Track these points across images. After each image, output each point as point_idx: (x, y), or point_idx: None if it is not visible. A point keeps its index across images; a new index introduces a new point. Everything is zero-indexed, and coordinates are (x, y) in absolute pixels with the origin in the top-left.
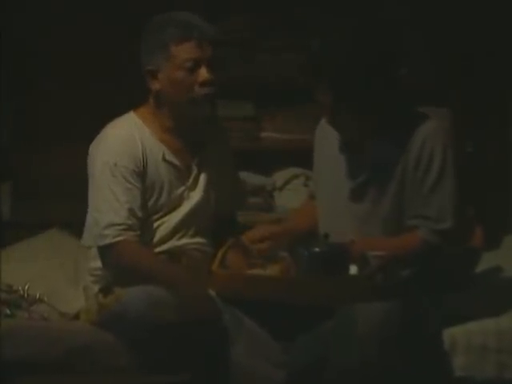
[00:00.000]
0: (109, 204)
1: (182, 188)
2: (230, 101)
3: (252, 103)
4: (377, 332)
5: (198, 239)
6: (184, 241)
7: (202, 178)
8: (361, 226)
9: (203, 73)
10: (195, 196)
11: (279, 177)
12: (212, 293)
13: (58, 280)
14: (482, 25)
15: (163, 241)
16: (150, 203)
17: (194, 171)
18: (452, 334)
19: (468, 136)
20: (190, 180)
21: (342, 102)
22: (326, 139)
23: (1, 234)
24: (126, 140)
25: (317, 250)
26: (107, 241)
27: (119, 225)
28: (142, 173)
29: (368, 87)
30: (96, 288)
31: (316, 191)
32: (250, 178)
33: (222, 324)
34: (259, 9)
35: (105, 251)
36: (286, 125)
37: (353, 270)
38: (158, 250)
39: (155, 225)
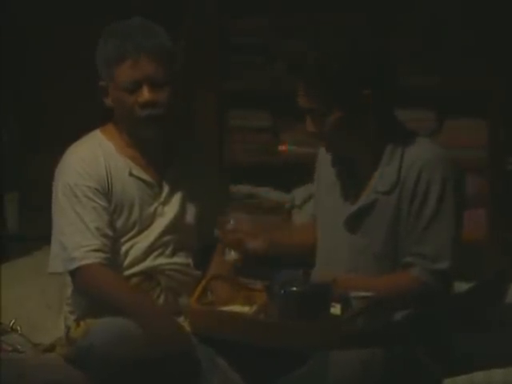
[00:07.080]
0: (74, 226)
1: (155, 205)
2: (244, 110)
3: (269, 113)
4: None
5: (177, 259)
6: (160, 261)
7: (178, 193)
8: (356, 259)
9: (143, 94)
10: (170, 212)
11: (298, 194)
12: (187, 328)
13: (39, 306)
14: None
15: (138, 261)
16: (121, 222)
17: (167, 186)
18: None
19: (508, 151)
20: (163, 196)
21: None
22: (325, 164)
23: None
24: (87, 159)
25: (294, 289)
26: (75, 264)
27: (86, 246)
28: (107, 191)
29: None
30: (72, 318)
31: (316, 217)
32: (267, 193)
33: (195, 361)
34: (278, 9)
35: (74, 276)
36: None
37: (336, 309)
38: (132, 270)
39: (128, 245)
